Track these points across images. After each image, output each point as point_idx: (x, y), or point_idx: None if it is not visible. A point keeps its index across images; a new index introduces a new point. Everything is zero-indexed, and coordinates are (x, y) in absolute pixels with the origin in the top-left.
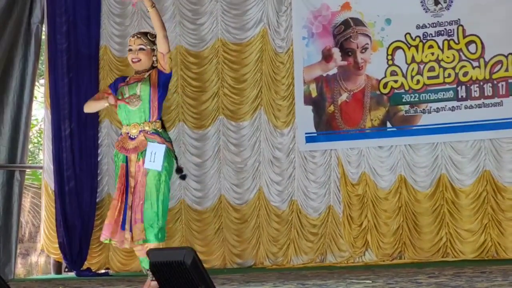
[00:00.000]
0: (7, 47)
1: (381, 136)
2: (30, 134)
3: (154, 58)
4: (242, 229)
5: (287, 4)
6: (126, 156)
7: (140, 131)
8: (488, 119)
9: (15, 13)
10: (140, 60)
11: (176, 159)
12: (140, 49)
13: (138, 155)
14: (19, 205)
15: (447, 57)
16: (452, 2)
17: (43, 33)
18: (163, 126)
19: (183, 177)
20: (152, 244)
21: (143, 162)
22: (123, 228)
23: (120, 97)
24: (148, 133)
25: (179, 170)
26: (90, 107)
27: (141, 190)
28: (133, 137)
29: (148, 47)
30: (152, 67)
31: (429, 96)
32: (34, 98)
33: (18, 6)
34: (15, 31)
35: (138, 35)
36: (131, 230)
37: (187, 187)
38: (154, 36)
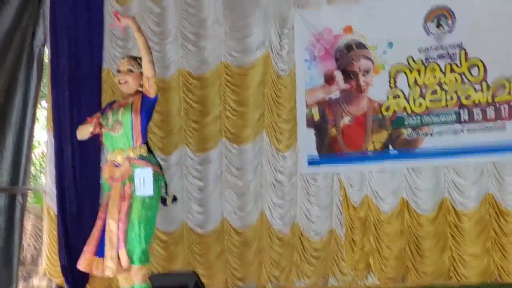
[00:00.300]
0: (10, 70)
1: (383, 159)
2: (32, 156)
3: (141, 82)
4: (245, 252)
5: (289, 27)
6: None
7: (125, 158)
8: (490, 142)
9: (18, 36)
10: (127, 82)
11: (166, 184)
12: (129, 70)
13: (121, 183)
14: (21, 228)
15: (450, 80)
16: (454, 25)
17: (46, 55)
18: (149, 150)
19: (174, 199)
20: (136, 266)
21: (129, 186)
22: (99, 255)
23: (104, 122)
24: (133, 159)
25: (175, 198)
26: (80, 133)
27: (124, 217)
28: (118, 164)
29: (137, 70)
30: (138, 91)
31: (432, 119)
32: (36, 121)
33: (21, 29)
34: (18, 53)
35: (127, 58)
36: (118, 257)
37: (189, 210)
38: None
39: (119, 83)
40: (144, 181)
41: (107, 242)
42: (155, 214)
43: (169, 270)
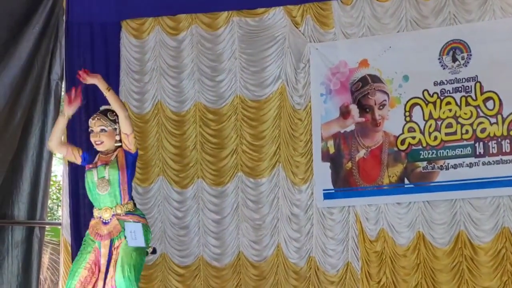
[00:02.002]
0: (27, 103)
1: (399, 193)
2: (49, 190)
3: (117, 137)
4: (261, 285)
5: (305, 61)
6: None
7: (113, 215)
8: (506, 175)
9: (35, 70)
10: (103, 142)
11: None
12: (102, 130)
13: (111, 240)
14: (38, 262)
15: (465, 113)
16: (470, 59)
17: (63, 90)
18: (134, 205)
19: (153, 251)
20: None
21: (119, 242)
22: None
23: (89, 179)
24: (121, 215)
25: (154, 251)
26: (52, 136)
27: (115, 265)
28: (106, 221)
29: (110, 127)
30: (116, 147)
31: (447, 152)
32: (53, 155)
33: (38, 63)
34: (35, 88)
35: (98, 117)
36: None
37: (205, 244)
38: (114, 114)
39: (96, 144)
40: (135, 235)
41: None
42: (142, 261)
43: None
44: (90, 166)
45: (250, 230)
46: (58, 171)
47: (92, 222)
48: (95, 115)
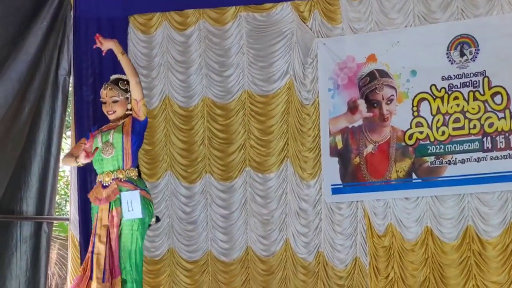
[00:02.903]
0: (35, 100)
1: (407, 188)
2: (57, 185)
3: (128, 106)
4: (269, 280)
5: (313, 56)
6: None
7: (113, 179)
8: None
9: (42, 65)
10: (115, 111)
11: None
12: (114, 101)
13: (110, 204)
14: (47, 257)
15: (473, 108)
16: (477, 53)
17: (70, 85)
18: (139, 174)
19: (157, 220)
20: None
21: (117, 212)
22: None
23: (94, 147)
24: (122, 180)
25: (157, 219)
26: (65, 162)
27: (115, 243)
28: (105, 185)
29: (121, 97)
30: (126, 115)
31: (455, 147)
32: (61, 150)
33: (46, 58)
34: (43, 83)
35: (109, 87)
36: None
37: (213, 239)
38: (126, 82)
39: (108, 114)
40: (132, 204)
41: (94, 263)
42: (143, 240)
43: None
44: (96, 132)
45: (259, 225)
46: (66, 166)
47: (93, 188)
48: (106, 85)
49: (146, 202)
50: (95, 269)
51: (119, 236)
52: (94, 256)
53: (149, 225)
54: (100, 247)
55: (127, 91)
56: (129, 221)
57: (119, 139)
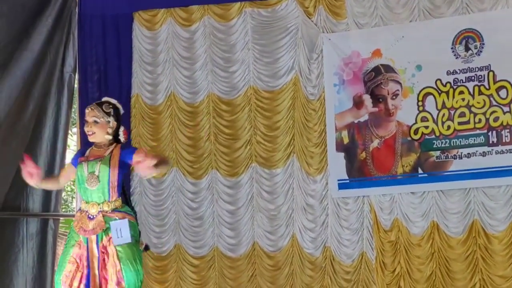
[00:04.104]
0: (41, 96)
1: (413, 182)
2: None
3: (109, 130)
4: (276, 276)
5: (318, 51)
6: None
7: (99, 211)
8: None
9: (47, 62)
10: (95, 133)
11: (139, 232)
12: (94, 121)
13: (97, 236)
14: (53, 254)
15: (478, 102)
16: (482, 48)
17: (76, 81)
18: (125, 199)
19: (146, 248)
20: None
21: (108, 240)
22: None
23: (79, 174)
24: (107, 212)
25: (146, 247)
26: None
27: (114, 262)
28: (91, 216)
29: (102, 119)
30: (114, 140)
31: (460, 141)
32: (67, 147)
33: (51, 55)
34: (48, 80)
35: (92, 107)
36: None
37: (220, 235)
38: (111, 106)
39: (88, 134)
40: (121, 232)
41: None
42: (141, 257)
43: None
44: (82, 159)
45: (265, 221)
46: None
47: (77, 215)
48: (90, 105)
49: (133, 225)
50: None
51: (118, 258)
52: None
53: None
54: (96, 281)
55: (109, 114)
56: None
57: (106, 172)
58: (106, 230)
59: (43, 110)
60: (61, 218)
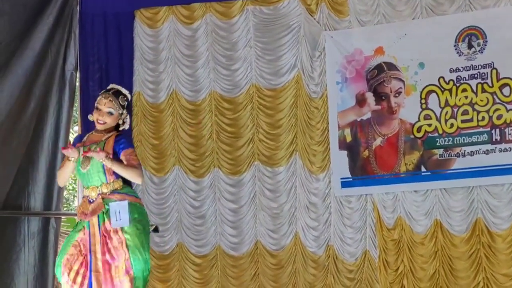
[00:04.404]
0: (42, 95)
1: (416, 181)
2: None
3: (120, 121)
4: (279, 274)
5: (321, 49)
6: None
7: (99, 194)
8: None
9: (49, 61)
10: (106, 123)
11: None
12: (109, 112)
13: (98, 218)
14: (55, 253)
15: (481, 100)
16: (485, 45)
17: (77, 79)
18: (126, 182)
19: (155, 230)
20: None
21: (109, 222)
22: None
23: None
24: (107, 194)
25: (156, 229)
26: (61, 177)
27: (123, 250)
28: (91, 200)
29: (117, 112)
30: (114, 129)
31: (463, 139)
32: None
33: (52, 54)
34: (50, 78)
35: (110, 98)
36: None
37: (222, 233)
38: (126, 99)
39: (98, 122)
40: (120, 215)
41: (93, 282)
42: (149, 240)
43: None
44: (78, 145)
45: (268, 219)
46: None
47: (81, 201)
48: (108, 94)
49: (137, 207)
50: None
51: (127, 246)
52: (93, 275)
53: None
54: (98, 264)
55: (124, 107)
56: (132, 223)
57: None
58: (107, 213)
59: (45, 108)
60: (62, 217)
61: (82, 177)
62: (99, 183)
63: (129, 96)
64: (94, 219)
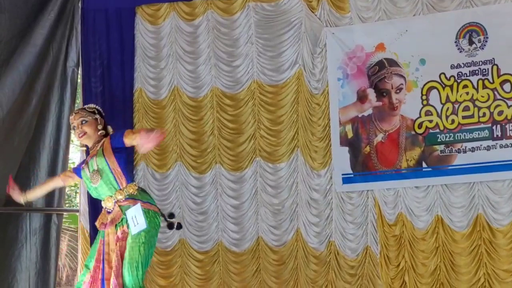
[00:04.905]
0: (44, 91)
1: (417, 177)
2: None
3: (99, 127)
4: (280, 270)
5: (322, 45)
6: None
7: (115, 202)
8: None
9: (51, 57)
10: (86, 132)
11: (164, 216)
12: (82, 121)
13: (116, 226)
14: (57, 249)
15: (482, 96)
16: (486, 41)
17: (79, 76)
18: (141, 189)
19: (178, 227)
20: None
21: (122, 229)
22: None
23: (85, 178)
24: (122, 201)
25: (179, 226)
26: (39, 190)
27: (117, 258)
28: (109, 210)
29: (89, 117)
30: (103, 136)
31: (464, 135)
32: (71, 142)
33: (54, 50)
34: (51, 75)
35: (74, 112)
36: None
37: (224, 229)
38: (93, 108)
39: (79, 137)
40: (136, 219)
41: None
42: (151, 250)
43: None
44: (83, 165)
45: (269, 215)
46: (76, 158)
47: (100, 214)
48: (73, 113)
49: (150, 214)
50: None
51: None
52: (106, 283)
53: (171, 225)
54: (109, 273)
55: (94, 113)
56: (135, 234)
57: (103, 163)
58: (122, 221)
59: (46, 105)
60: (64, 213)
61: (96, 191)
62: (113, 192)
63: (99, 108)
64: (111, 228)
